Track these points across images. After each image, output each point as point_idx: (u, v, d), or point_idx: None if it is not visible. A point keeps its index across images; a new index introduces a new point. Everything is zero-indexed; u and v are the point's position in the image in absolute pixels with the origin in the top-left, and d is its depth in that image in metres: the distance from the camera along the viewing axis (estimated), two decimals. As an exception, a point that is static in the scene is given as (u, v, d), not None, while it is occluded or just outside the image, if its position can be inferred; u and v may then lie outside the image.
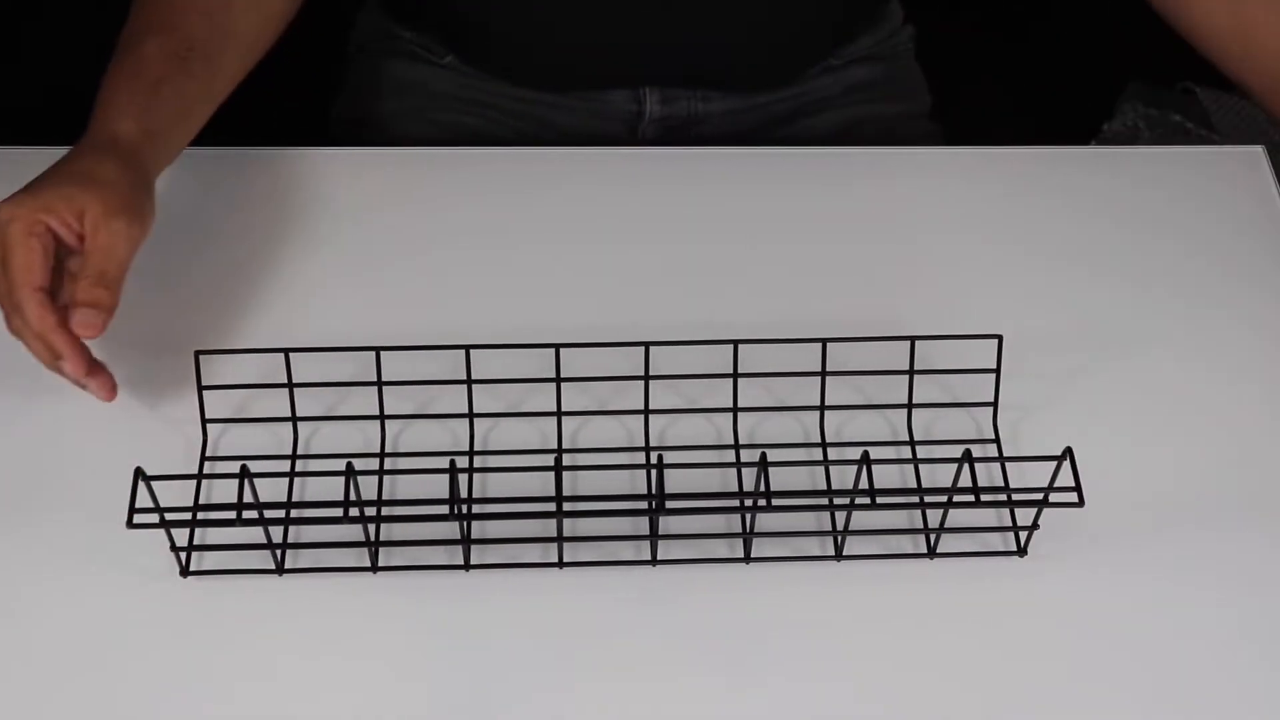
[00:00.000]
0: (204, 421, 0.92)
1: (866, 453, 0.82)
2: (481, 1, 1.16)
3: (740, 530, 0.88)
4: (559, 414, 0.93)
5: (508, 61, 1.21)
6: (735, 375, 0.93)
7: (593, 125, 1.23)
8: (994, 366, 0.93)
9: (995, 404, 0.94)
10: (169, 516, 0.83)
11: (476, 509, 0.90)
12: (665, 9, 1.13)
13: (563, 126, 1.23)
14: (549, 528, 0.87)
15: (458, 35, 1.22)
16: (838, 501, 0.88)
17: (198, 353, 0.91)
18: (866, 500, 0.83)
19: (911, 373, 0.93)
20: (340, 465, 0.84)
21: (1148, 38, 1.15)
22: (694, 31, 1.16)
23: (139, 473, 0.81)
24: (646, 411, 0.94)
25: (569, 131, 1.23)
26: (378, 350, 0.91)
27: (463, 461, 0.92)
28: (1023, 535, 0.88)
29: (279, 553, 0.87)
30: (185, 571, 0.87)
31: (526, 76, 1.22)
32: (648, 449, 0.93)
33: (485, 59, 1.22)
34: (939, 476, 0.91)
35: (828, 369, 0.93)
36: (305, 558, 0.88)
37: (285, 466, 0.91)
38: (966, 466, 0.84)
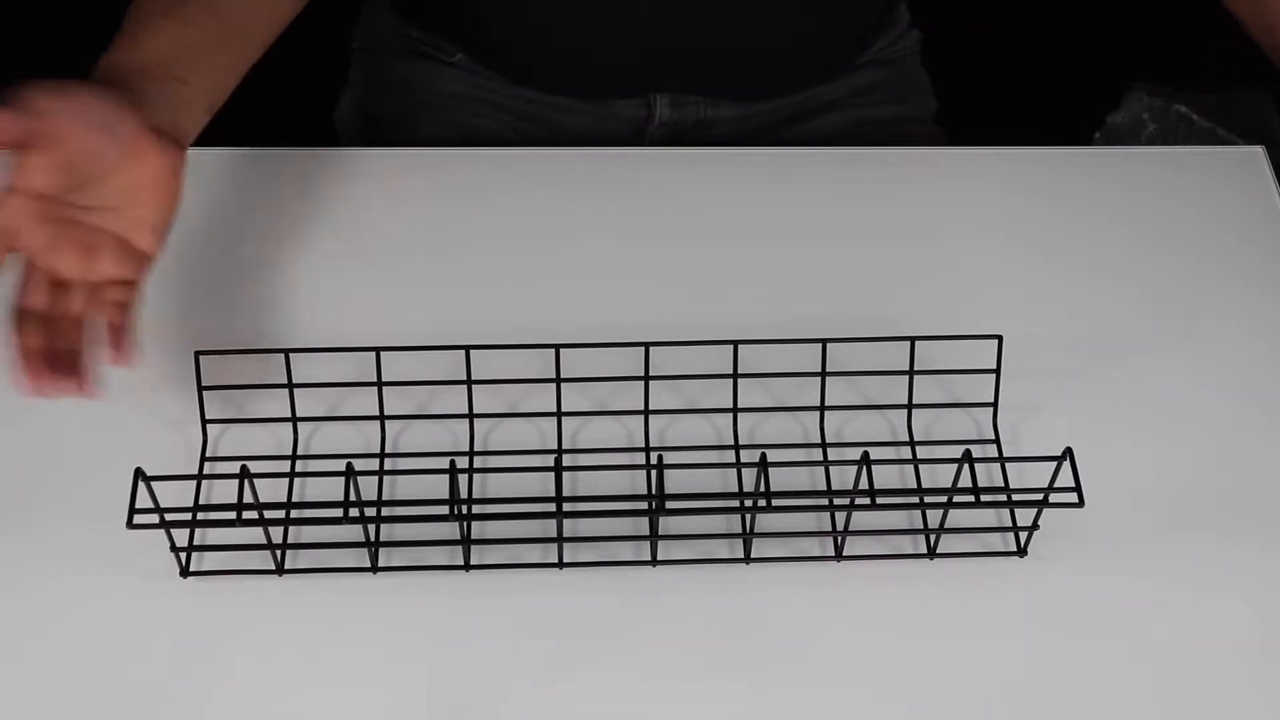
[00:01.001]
0: (204, 422, 0.92)
1: (866, 453, 0.82)
2: (491, 5, 1.16)
3: (740, 530, 0.88)
4: (559, 414, 0.93)
5: (516, 63, 1.21)
6: (735, 375, 0.93)
7: (601, 129, 1.23)
8: (994, 367, 0.93)
9: (995, 404, 0.94)
10: (169, 517, 0.83)
11: (476, 509, 0.90)
12: (676, 16, 1.13)
13: (570, 129, 1.23)
14: (549, 528, 0.88)
15: (467, 35, 1.22)
16: (838, 502, 0.88)
17: (198, 353, 0.91)
18: (866, 500, 0.83)
19: (911, 373, 0.93)
20: (340, 465, 0.84)
21: (1150, 41, 1.15)
22: (705, 39, 1.16)
23: (139, 473, 0.81)
24: (646, 412, 0.94)
25: (576, 134, 1.23)
26: (378, 350, 0.91)
27: (463, 462, 0.92)
28: (1023, 535, 0.88)
29: (279, 553, 0.87)
30: (185, 572, 0.87)
31: (535, 78, 1.22)
32: (648, 449, 0.93)
33: (493, 59, 1.22)
34: (939, 477, 0.91)
35: (828, 369, 0.93)
36: (305, 558, 0.88)
37: (285, 467, 0.91)
38: (966, 467, 0.84)
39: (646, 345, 0.92)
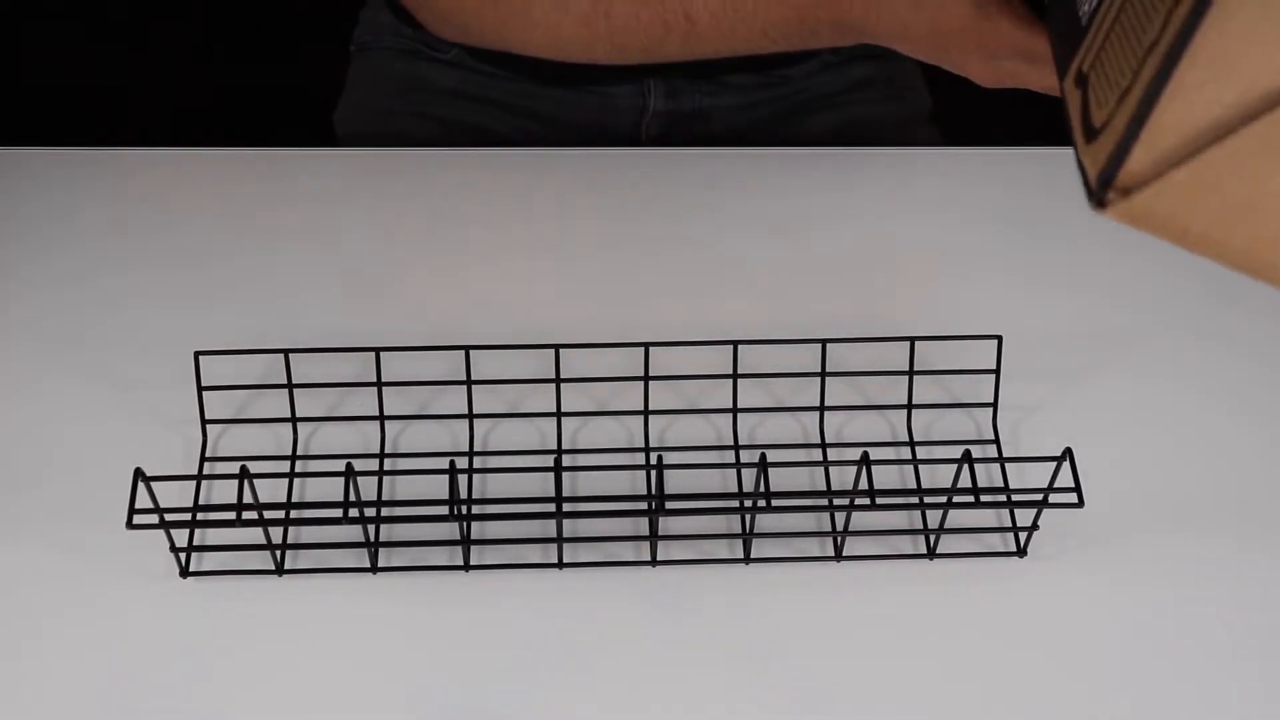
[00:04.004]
0: (204, 422, 0.92)
1: (866, 453, 0.82)
2: None
3: (740, 531, 0.88)
4: (559, 414, 0.93)
5: (512, 55, 1.21)
6: (735, 376, 0.93)
7: (597, 119, 1.23)
8: (994, 367, 0.93)
9: (995, 404, 0.94)
10: (169, 517, 0.83)
11: (476, 509, 0.90)
12: None
13: (567, 121, 1.23)
14: (549, 528, 0.88)
15: None
16: (837, 502, 0.88)
17: (198, 353, 0.91)
18: (866, 501, 0.83)
19: (911, 373, 0.93)
20: (340, 466, 0.84)
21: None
22: None
23: (139, 473, 0.81)
24: (646, 412, 0.94)
25: (573, 126, 1.23)
26: (377, 350, 0.91)
27: (462, 462, 0.92)
28: (1022, 536, 0.88)
29: (279, 553, 0.87)
30: (185, 572, 0.87)
31: (532, 69, 1.22)
32: (647, 449, 0.93)
33: (489, 52, 1.22)
34: (939, 477, 0.91)
35: (828, 369, 0.93)
36: (305, 558, 0.88)
37: (285, 467, 0.91)
38: (966, 467, 0.84)
39: (646, 345, 0.92)
